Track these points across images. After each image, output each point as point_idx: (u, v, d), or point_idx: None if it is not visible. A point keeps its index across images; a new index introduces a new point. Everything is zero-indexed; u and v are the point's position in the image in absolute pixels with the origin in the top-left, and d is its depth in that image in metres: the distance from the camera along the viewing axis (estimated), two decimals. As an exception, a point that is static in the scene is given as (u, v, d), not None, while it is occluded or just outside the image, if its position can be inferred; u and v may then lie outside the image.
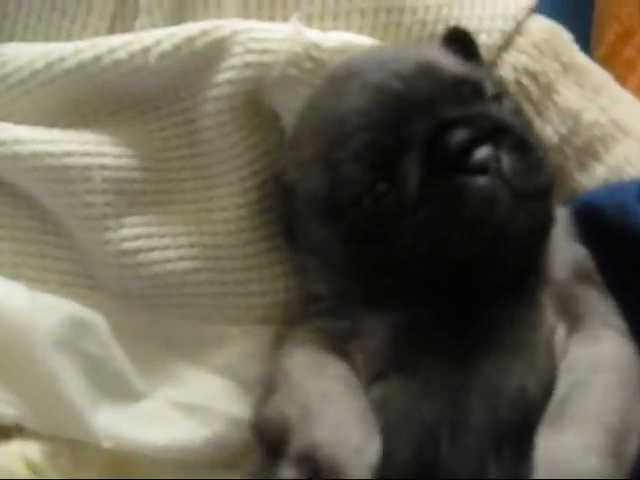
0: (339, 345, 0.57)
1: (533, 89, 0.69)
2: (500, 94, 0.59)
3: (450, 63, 0.58)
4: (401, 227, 0.54)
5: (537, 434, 0.50)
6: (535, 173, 0.55)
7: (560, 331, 0.56)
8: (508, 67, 0.69)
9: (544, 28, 0.72)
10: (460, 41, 0.63)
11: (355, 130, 0.56)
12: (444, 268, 0.53)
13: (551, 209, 0.57)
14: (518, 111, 0.60)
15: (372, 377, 0.55)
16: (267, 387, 0.58)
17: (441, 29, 0.69)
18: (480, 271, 0.54)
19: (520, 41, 0.70)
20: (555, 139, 0.69)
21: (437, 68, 0.57)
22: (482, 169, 0.53)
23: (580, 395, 0.52)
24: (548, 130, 0.71)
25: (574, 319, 0.57)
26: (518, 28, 0.70)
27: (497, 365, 0.54)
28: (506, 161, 0.54)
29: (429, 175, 0.54)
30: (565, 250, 0.60)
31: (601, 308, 0.57)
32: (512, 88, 0.68)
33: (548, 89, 0.70)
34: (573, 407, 0.51)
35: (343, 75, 0.60)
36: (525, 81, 0.69)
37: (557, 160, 0.68)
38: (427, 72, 0.56)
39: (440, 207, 0.53)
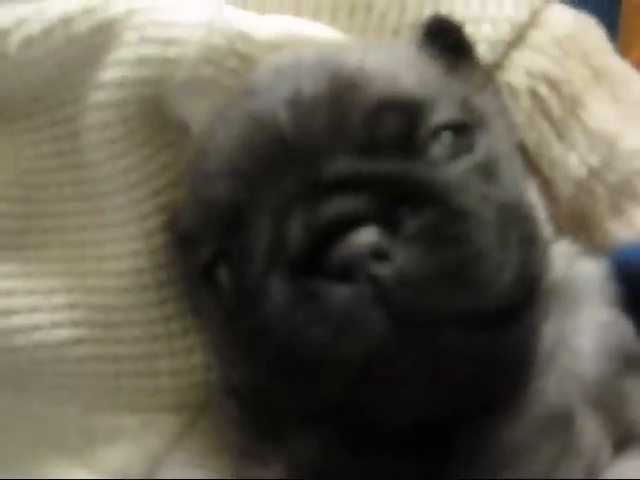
0: (249, 458, 0.48)
1: (553, 102, 0.57)
2: (462, 127, 0.46)
3: (385, 77, 0.46)
4: (251, 322, 0.43)
5: None
6: (465, 278, 0.41)
7: (605, 453, 0.46)
8: (519, 71, 0.57)
9: (569, 21, 0.59)
10: (447, 36, 0.52)
11: (212, 176, 0.46)
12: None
13: (517, 335, 0.44)
14: (504, 156, 0.48)
15: None
16: None
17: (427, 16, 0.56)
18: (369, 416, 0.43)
19: (537, 36, 0.58)
20: (582, 172, 0.57)
21: (355, 88, 0.45)
22: (343, 273, 0.40)
23: None
24: (572, 160, 0.57)
25: (625, 431, 0.46)
26: (534, 19, 0.58)
27: None
28: (399, 260, 0.40)
29: (275, 262, 0.42)
30: (604, 331, 0.49)
31: None
32: (524, 101, 0.57)
33: (574, 103, 0.57)
34: None
35: (241, 91, 0.50)
36: (543, 91, 0.57)
37: (584, 201, 0.57)
38: (337, 96, 0.45)
39: (286, 313, 0.41)
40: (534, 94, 0.58)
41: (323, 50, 0.50)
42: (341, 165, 0.42)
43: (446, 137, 0.45)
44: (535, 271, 0.45)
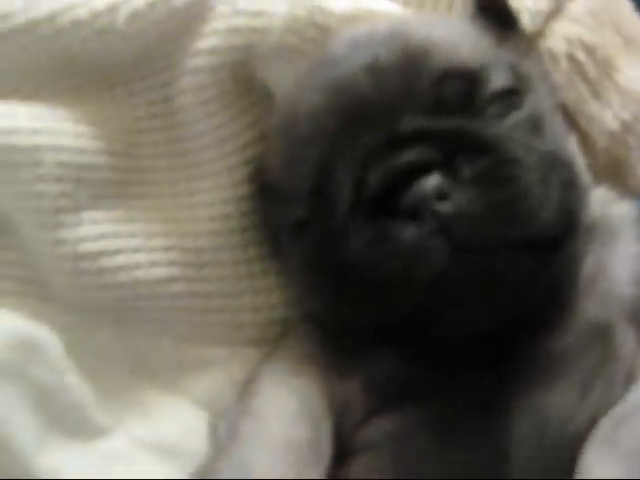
0: (329, 374, 0.53)
1: (589, 66, 0.61)
2: (513, 91, 0.51)
3: (449, 48, 0.51)
4: (337, 259, 0.49)
5: (585, 450, 0.46)
6: (514, 212, 0.46)
7: None
8: (559, 38, 0.61)
9: None
10: (495, 9, 0.56)
11: (304, 139, 0.50)
12: (398, 314, 0.48)
13: (561, 260, 0.49)
14: (547, 113, 0.53)
15: (377, 407, 0.51)
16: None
17: None
18: (432, 323, 0.48)
19: (573, 8, 0.62)
20: (615, 125, 0.61)
21: (424, 57, 0.50)
22: (412, 213, 0.45)
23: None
24: (607, 115, 0.61)
25: None
26: None
27: (553, 403, 0.49)
28: (457, 199, 0.45)
29: (357, 208, 0.47)
30: (636, 262, 0.53)
31: None
32: (563, 64, 0.61)
33: (607, 66, 0.61)
34: (629, 436, 0.46)
35: (322, 60, 0.53)
36: (580, 56, 0.61)
37: (618, 151, 0.60)
38: (409, 64, 0.50)
39: (365, 250, 0.47)
40: (572, 58, 0.61)
41: (394, 23, 0.54)
42: (412, 122, 0.48)
43: (499, 99, 0.51)
44: (574, 207, 0.50)
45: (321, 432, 0.51)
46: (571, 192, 0.50)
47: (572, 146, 0.57)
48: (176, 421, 0.59)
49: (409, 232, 0.46)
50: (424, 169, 0.46)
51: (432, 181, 0.46)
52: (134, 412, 0.59)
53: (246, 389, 0.54)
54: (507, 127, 0.50)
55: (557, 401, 0.49)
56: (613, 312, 0.51)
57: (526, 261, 0.47)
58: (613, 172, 0.61)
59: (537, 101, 0.53)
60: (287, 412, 0.51)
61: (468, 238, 0.45)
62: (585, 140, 0.61)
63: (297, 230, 0.52)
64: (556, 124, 0.55)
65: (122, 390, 0.59)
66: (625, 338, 0.51)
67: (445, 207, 0.46)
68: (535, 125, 0.51)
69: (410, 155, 0.46)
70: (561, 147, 0.53)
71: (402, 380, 0.51)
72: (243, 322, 0.60)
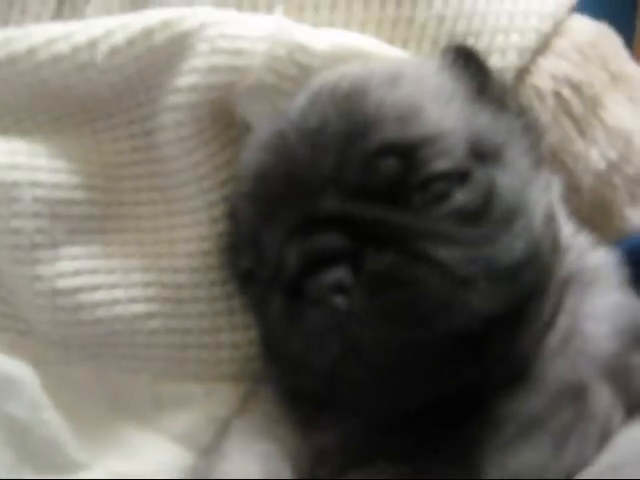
0: (303, 425, 0.52)
1: (575, 103, 0.60)
2: (454, 174, 0.48)
3: (402, 115, 0.49)
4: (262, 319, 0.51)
5: None
6: (407, 315, 0.45)
7: (617, 416, 0.50)
8: (545, 75, 0.61)
9: (588, 29, 0.63)
10: (472, 61, 0.55)
11: (246, 195, 0.52)
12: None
13: (494, 343, 0.47)
14: (509, 182, 0.50)
15: (350, 461, 0.50)
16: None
17: (462, 27, 0.60)
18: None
19: (560, 44, 0.61)
20: (602, 165, 0.60)
21: (368, 130, 0.48)
22: (317, 299, 0.46)
23: None
24: (593, 154, 0.60)
25: (635, 399, 0.50)
26: (557, 28, 0.61)
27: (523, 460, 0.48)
28: (355, 295, 0.46)
29: (276, 279, 0.49)
30: (615, 313, 0.52)
31: None
32: (549, 102, 0.61)
33: (594, 103, 0.61)
34: None
35: (283, 109, 0.53)
36: (566, 93, 0.61)
37: (604, 191, 0.60)
38: (350, 138, 0.49)
39: (277, 320, 0.48)
40: (558, 95, 0.61)
41: (358, 77, 0.52)
42: (333, 205, 0.47)
43: (436, 184, 0.48)
44: (511, 301, 0.47)
45: None
46: (513, 281, 0.48)
47: (552, 199, 0.54)
48: (152, 457, 0.59)
49: (312, 316, 0.47)
50: (333, 257, 0.46)
51: (333, 274, 0.46)
52: (111, 448, 0.59)
53: (215, 447, 0.54)
54: (433, 218, 0.48)
55: (530, 458, 0.48)
56: (586, 371, 0.50)
57: (428, 358, 0.46)
58: (599, 212, 0.60)
59: (492, 177, 0.49)
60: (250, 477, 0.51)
61: (359, 334, 0.46)
62: (570, 180, 0.60)
63: (246, 278, 0.53)
64: (529, 187, 0.51)
65: (99, 425, 0.59)
66: (599, 396, 0.50)
67: (341, 302, 0.46)
68: (475, 210, 0.48)
69: (323, 241, 0.47)
70: (523, 219, 0.49)
71: (375, 437, 0.51)
72: (222, 358, 0.60)
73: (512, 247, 0.48)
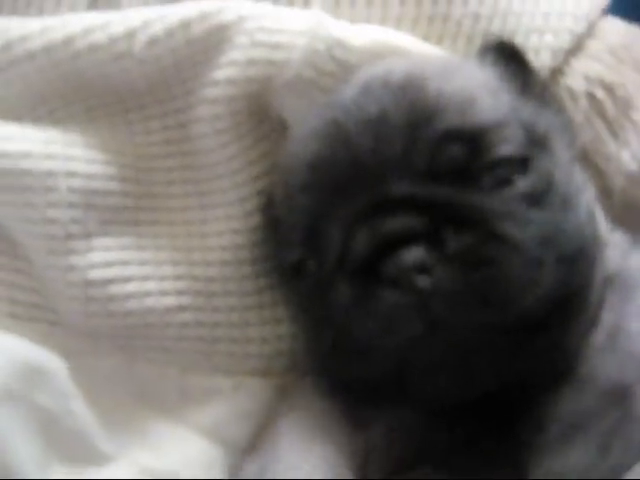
0: (346, 424, 0.52)
1: (608, 104, 0.61)
2: (518, 159, 0.49)
3: (460, 104, 0.49)
4: (324, 309, 0.49)
5: None
6: (490, 296, 0.45)
7: None
8: (578, 76, 0.61)
9: (621, 31, 0.63)
10: (517, 55, 0.55)
11: (301, 187, 0.51)
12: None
13: (552, 336, 0.48)
14: (561, 173, 0.51)
15: (391, 468, 0.50)
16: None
17: (497, 26, 0.60)
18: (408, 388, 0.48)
19: (593, 45, 0.61)
20: (633, 167, 0.60)
21: (430, 117, 0.49)
22: (393, 281, 0.45)
23: None
24: (625, 156, 0.60)
25: None
26: (590, 30, 0.61)
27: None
28: (437, 274, 0.45)
29: (343, 264, 0.48)
30: None
31: None
32: (582, 103, 0.61)
33: (626, 105, 0.61)
34: None
35: (332, 101, 0.52)
36: (599, 94, 0.61)
37: (636, 193, 0.60)
38: (413, 125, 0.49)
39: (348, 305, 0.47)
40: (591, 97, 0.61)
41: (410, 69, 0.53)
42: (403, 188, 0.47)
43: (501, 168, 0.49)
44: (576, 282, 0.48)
45: None
46: (574, 266, 0.48)
47: (590, 196, 0.55)
48: (179, 449, 0.58)
49: (389, 297, 0.46)
50: (409, 239, 0.46)
51: (414, 254, 0.46)
52: (138, 440, 0.58)
53: (261, 448, 0.54)
54: (503, 199, 0.48)
55: (575, 461, 0.48)
56: (632, 372, 0.50)
57: (500, 343, 0.46)
58: (630, 214, 0.60)
59: (548, 165, 0.51)
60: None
61: (443, 315, 0.45)
62: (602, 181, 0.60)
63: (294, 271, 0.53)
64: (572, 180, 0.53)
65: (126, 417, 0.58)
66: None
67: (424, 282, 0.45)
68: (539, 194, 0.49)
69: (395, 223, 0.46)
70: (573, 210, 0.51)
71: (421, 435, 0.51)
72: (250, 353, 0.60)
73: (579, 230, 0.49)
